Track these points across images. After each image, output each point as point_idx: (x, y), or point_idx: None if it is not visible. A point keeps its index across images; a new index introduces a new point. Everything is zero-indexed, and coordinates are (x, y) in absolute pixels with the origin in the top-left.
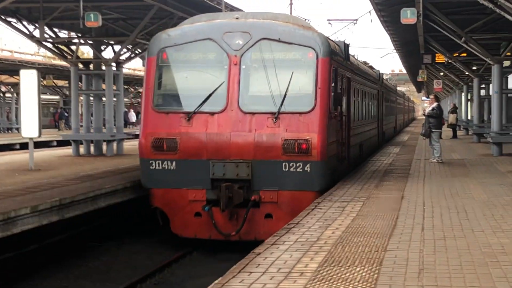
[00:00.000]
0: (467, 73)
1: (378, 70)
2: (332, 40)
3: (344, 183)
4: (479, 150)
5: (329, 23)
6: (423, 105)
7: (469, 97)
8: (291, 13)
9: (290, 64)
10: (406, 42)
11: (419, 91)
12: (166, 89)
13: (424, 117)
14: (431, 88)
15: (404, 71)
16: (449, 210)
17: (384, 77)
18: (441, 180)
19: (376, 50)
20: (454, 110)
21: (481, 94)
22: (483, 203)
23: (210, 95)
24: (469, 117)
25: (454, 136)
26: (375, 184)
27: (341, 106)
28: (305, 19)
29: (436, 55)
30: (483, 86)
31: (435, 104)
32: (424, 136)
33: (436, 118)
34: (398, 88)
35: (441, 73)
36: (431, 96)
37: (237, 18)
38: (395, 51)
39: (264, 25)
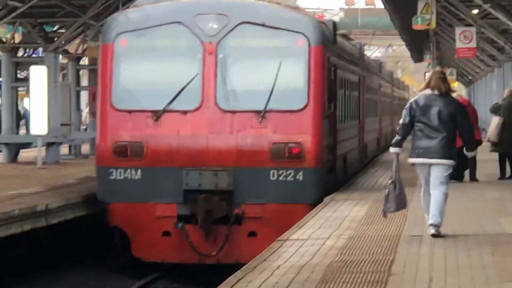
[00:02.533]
0: None
1: (360, 43)
2: (322, 22)
3: None
4: None
5: None
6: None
7: None
8: None
9: (277, 52)
10: None
11: (418, 57)
12: (128, 83)
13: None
14: (448, 51)
15: (380, 4)
16: None
17: (335, 18)
18: None
19: None
20: (509, 103)
21: None
22: None
23: (181, 90)
24: None
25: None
26: None
27: (335, 103)
28: None
29: None
30: None
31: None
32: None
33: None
34: (371, 52)
35: (475, 12)
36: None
37: None
38: None
39: (244, 6)
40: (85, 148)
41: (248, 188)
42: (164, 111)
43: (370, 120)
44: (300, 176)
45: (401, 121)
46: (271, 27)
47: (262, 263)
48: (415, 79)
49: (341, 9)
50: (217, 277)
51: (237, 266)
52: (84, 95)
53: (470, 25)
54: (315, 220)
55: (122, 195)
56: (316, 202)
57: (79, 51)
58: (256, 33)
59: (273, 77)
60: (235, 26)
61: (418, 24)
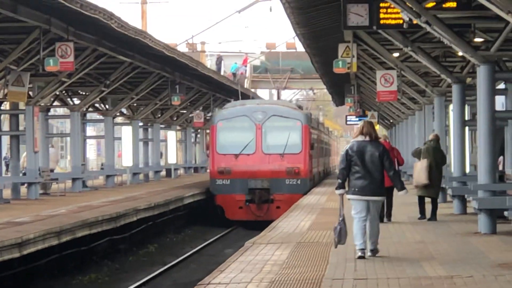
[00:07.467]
0: (459, 54)
1: (317, 118)
2: (306, 113)
3: None
4: (494, 252)
5: None
6: (349, 136)
7: (467, 117)
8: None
9: (288, 128)
10: None
11: (340, 100)
12: (223, 141)
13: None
14: (369, 94)
15: (301, 47)
16: None
17: (256, 61)
18: None
19: None
20: (433, 148)
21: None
22: None
23: (246, 145)
24: (467, 168)
25: (433, 214)
26: None
27: (311, 149)
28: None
29: (383, 5)
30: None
31: (356, 138)
32: None
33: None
34: (291, 96)
35: (396, 55)
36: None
37: (257, 104)
38: None
39: (273, 107)
40: (6, 193)
41: (276, 187)
42: (240, 154)
43: (320, 159)
44: (298, 182)
45: (340, 167)
46: (285, 117)
47: None
48: (336, 123)
49: (262, 52)
50: (262, 227)
51: (271, 220)
52: (5, 140)
53: (391, 68)
54: (236, 264)
55: (221, 191)
56: (305, 193)
57: (0, 96)
58: (279, 120)
59: (286, 139)
60: (269, 117)
61: (339, 67)
